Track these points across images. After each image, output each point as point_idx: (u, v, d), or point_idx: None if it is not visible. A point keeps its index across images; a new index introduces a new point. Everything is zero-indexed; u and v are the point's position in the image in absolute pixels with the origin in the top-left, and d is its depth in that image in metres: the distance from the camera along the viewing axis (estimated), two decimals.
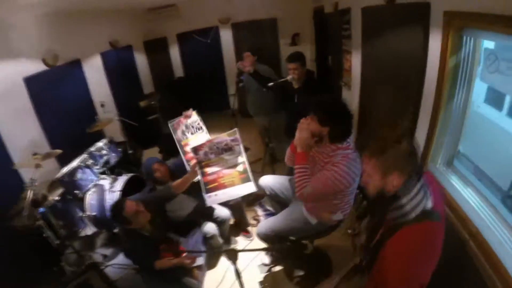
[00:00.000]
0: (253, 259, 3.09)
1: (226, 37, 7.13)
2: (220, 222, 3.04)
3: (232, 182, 2.61)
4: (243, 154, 2.65)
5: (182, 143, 3.03)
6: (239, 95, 5.79)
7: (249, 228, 3.51)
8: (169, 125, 3.01)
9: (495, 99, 2.71)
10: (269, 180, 2.87)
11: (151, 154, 5.17)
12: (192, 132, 3.09)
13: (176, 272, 2.49)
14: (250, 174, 2.61)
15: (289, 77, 3.20)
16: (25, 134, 3.51)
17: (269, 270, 3.00)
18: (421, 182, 1.32)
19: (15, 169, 3.19)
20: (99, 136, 4.26)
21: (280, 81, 3.24)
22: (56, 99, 4.14)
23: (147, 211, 2.49)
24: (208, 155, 2.64)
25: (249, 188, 2.58)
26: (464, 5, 1.74)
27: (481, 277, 1.67)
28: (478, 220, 1.84)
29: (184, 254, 2.57)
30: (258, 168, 4.11)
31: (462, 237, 1.87)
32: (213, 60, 7.36)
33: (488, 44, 1.90)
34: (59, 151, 3.28)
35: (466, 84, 2.04)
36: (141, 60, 6.77)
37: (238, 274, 1.75)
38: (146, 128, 5.38)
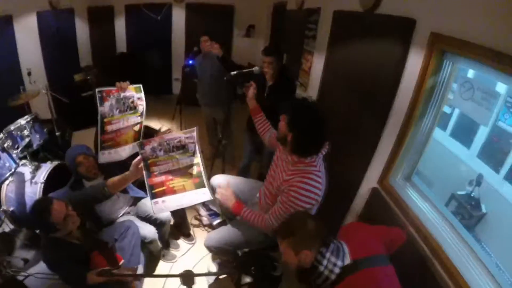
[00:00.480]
0: (196, 264, 2.91)
1: (179, 16, 6.73)
2: (159, 225, 2.74)
3: (183, 187, 2.18)
4: (198, 155, 2.25)
5: (105, 120, 2.42)
6: (184, 81, 5.42)
7: (191, 230, 3.29)
8: (97, 93, 2.32)
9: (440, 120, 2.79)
10: (222, 181, 2.63)
11: (83, 136, 4.55)
12: (122, 110, 2.46)
13: (110, 285, 2.13)
14: (205, 178, 2.22)
15: (255, 68, 2.93)
16: None
17: (216, 279, 2.80)
18: (331, 248, 1.50)
19: None
20: (22, 112, 3.57)
21: (245, 71, 2.95)
22: None
23: (76, 214, 2.06)
24: (156, 151, 2.14)
25: (204, 195, 2.17)
26: (451, 30, 1.72)
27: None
28: (436, 232, 1.88)
29: (122, 262, 2.24)
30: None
31: (422, 251, 1.89)
32: (161, 39, 6.91)
33: (466, 72, 1.91)
34: None
35: (437, 106, 2.04)
36: (81, 28, 6.06)
37: None
38: (79, 106, 4.61)
